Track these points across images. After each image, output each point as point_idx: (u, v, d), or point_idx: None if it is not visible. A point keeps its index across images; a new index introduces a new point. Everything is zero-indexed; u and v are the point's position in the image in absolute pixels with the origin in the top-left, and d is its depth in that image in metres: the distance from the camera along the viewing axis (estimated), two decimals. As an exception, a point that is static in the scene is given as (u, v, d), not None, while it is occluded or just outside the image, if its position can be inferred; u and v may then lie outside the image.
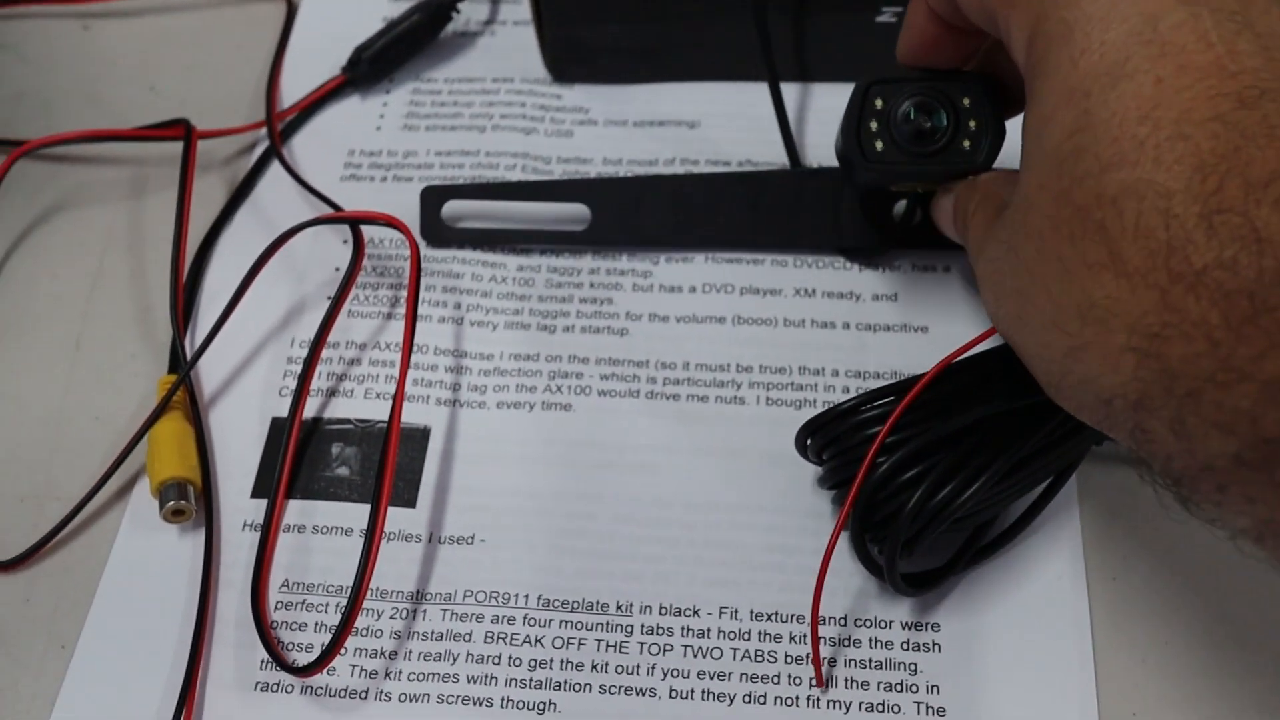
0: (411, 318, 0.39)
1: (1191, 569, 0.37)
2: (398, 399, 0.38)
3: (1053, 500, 0.38)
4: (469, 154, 0.47)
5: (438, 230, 0.44)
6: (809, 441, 0.37)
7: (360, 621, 0.37)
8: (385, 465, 0.37)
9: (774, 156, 0.46)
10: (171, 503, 0.38)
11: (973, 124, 0.36)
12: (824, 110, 0.47)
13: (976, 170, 0.36)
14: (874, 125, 0.37)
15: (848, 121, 0.37)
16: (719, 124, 0.47)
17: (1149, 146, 0.25)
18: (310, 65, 0.50)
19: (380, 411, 0.41)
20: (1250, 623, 0.36)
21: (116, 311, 0.44)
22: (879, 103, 0.37)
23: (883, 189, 0.41)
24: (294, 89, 0.49)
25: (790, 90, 0.48)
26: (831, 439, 0.36)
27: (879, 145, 0.37)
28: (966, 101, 0.36)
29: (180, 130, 0.45)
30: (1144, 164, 0.25)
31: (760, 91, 0.47)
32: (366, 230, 0.43)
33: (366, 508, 0.38)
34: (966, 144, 0.36)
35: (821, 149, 0.46)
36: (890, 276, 0.43)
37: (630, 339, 0.42)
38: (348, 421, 0.41)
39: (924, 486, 0.34)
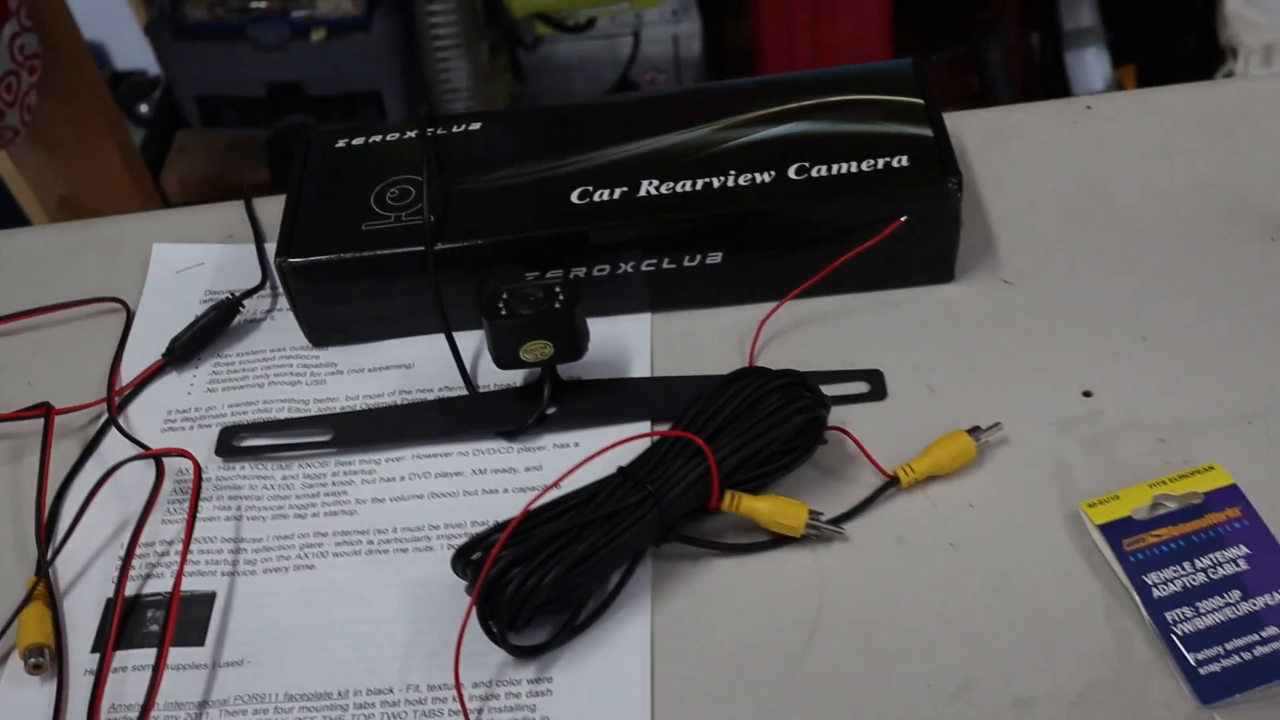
0: (192, 512, 0.58)
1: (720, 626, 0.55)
2: (179, 571, 0.57)
3: (626, 587, 0.56)
4: (252, 404, 0.67)
5: (231, 453, 0.63)
6: (456, 564, 0.56)
7: (163, 723, 0.54)
8: (170, 615, 0.55)
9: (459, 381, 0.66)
10: (32, 659, 0.56)
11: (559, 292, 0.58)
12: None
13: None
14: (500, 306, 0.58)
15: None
16: (426, 364, 0.67)
17: None
18: (148, 354, 0.69)
19: (184, 585, 0.59)
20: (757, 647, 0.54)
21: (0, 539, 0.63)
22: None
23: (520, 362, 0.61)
24: (134, 372, 0.69)
25: (467, 337, 0.67)
26: (468, 560, 0.55)
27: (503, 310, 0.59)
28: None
29: (42, 410, 0.65)
30: None
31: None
32: (175, 462, 0.63)
33: (174, 650, 0.56)
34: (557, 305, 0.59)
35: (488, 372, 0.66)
36: (538, 454, 0.63)
37: (358, 517, 0.61)
38: (159, 594, 0.59)
39: (513, 581, 0.52)
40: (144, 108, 1.93)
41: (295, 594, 0.59)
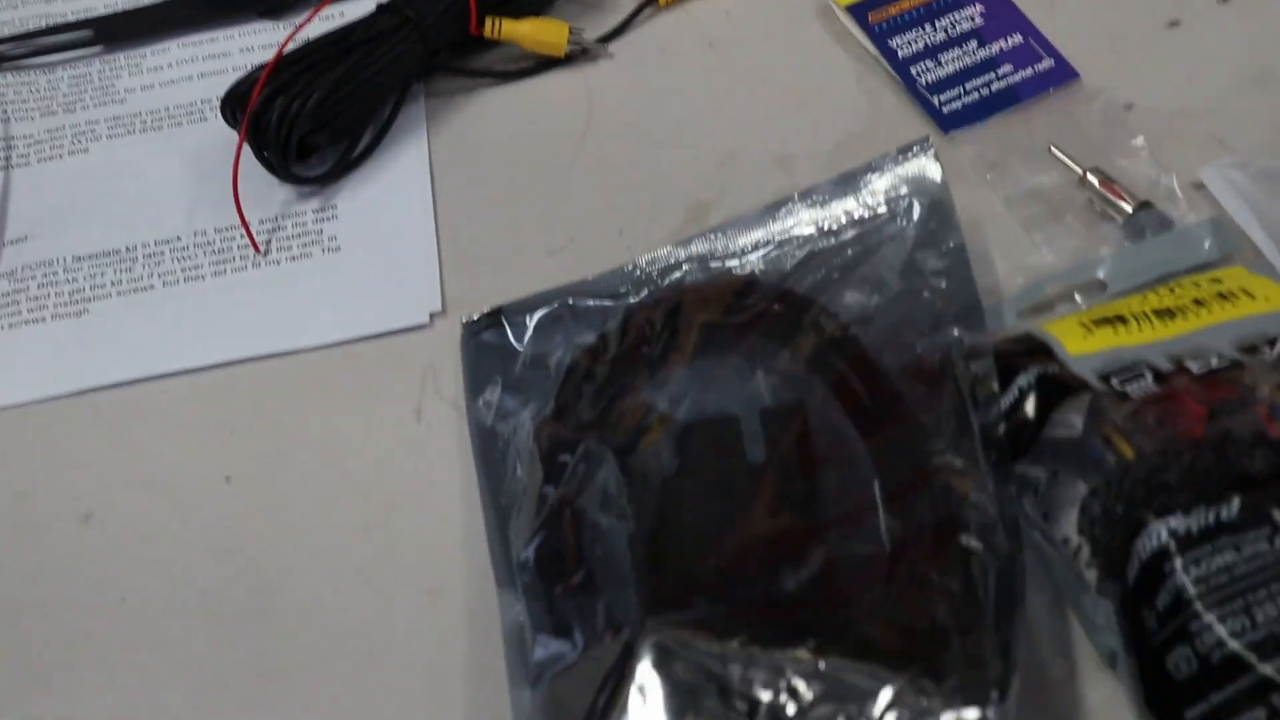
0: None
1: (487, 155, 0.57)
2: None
3: (401, 120, 0.57)
4: (7, 23, 0.65)
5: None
6: (225, 109, 0.56)
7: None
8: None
9: (223, -24, 0.65)
10: None
11: None
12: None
13: None
14: None
15: None
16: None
17: None
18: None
19: (-45, 183, 0.58)
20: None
21: None
22: None
23: None
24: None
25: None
26: (236, 101, 0.55)
27: None
28: None
29: None
30: None
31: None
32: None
33: (-49, 238, 0.56)
34: None
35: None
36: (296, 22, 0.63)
37: (128, 104, 0.61)
38: (-67, 194, 0.58)
39: (277, 110, 0.53)
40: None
41: (72, 175, 0.58)
